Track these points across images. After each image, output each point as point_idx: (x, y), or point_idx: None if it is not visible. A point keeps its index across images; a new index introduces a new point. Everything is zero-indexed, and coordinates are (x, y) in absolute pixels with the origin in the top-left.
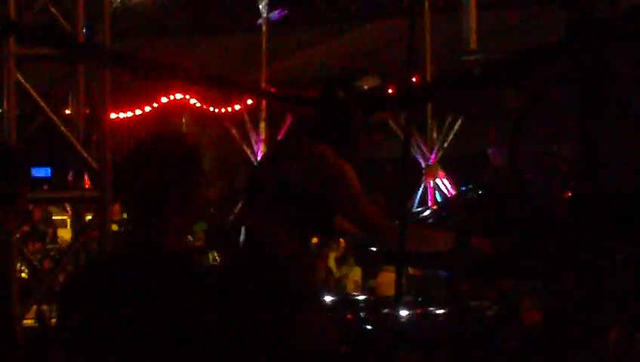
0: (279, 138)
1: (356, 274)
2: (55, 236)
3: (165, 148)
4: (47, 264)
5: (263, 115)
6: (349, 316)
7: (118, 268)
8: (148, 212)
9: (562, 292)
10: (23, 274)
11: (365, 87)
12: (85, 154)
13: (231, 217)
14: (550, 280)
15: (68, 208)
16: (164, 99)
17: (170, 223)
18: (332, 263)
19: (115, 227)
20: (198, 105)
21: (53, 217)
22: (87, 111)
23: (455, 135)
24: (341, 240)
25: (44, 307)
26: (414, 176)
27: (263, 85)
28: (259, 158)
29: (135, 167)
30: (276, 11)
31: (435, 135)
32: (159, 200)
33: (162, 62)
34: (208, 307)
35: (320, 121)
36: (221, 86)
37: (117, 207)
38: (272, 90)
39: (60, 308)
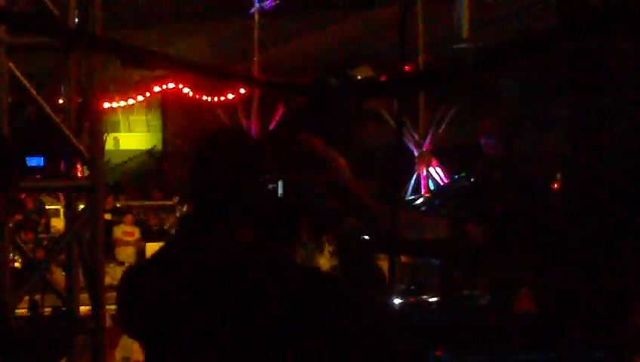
0: (270, 128)
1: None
2: (48, 225)
3: (245, 146)
4: (40, 253)
5: (255, 104)
6: None
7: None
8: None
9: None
10: (17, 264)
11: (358, 77)
12: (77, 143)
13: None
14: (542, 270)
15: (61, 197)
16: (156, 88)
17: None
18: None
19: (107, 216)
20: (191, 94)
21: (46, 206)
22: (80, 100)
23: (448, 123)
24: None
25: (37, 296)
26: (407, 164)
27: (256, 74)
28: None
29: (215, 165)
30: (268, 0)
31: (427, 123)
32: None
33: (156, 51)
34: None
35: (311, 110)
36: (214, 75)
37: (109, 198)
38: (263, 78)
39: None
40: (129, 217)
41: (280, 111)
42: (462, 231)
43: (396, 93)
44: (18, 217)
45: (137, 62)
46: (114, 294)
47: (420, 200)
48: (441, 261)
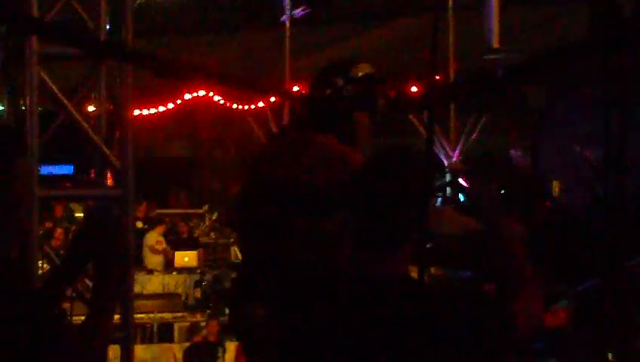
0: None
1: None
2: None
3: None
4: None
5: (287, 112)
6: None
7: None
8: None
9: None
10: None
11: (359, 75)
12: (107, 152)
13: None
14: (574, 283)
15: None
16: (187, 96)
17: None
18: None
19: (139, 224)
20: (222, 102)
21: (76, 215)
22: (110, 108)
23: (478, 134)
24: None
25: (67, 305)
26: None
27: (287, 83)
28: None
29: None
30: (299, 9)
31: (458, 133)
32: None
33: (184, 62)
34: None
35: (323, 111)
36: (242, 86)
37: (143, 205)
38: (297, 88)
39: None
40: (161, 228)
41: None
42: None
43: (427, 105)
44: (47, 225)
45: (170, 74)
46: (143, 302)
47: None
48: (470, 273)
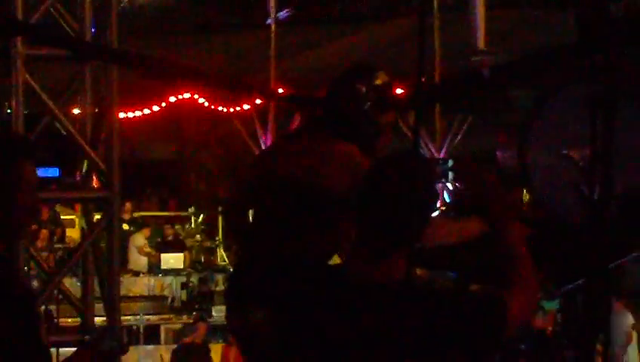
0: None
1: None
2: (63, 236)
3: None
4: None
5: (271, 115)
6: None
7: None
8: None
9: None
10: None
11: (378, 82)
12: (93, 154)
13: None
14: (560, 284)
15: (76, 208)
16: (172, 99)
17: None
18: None
19: (125, 226)
20: (207, 104)
21: (62, 217)
22: (96, 111)
23: (463, 135)
24: None
25: (52, 307)
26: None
27: (272, 85)
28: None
29: (382, 188)
30: (285, 10)
31: (444, 134)
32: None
33: (171, 62)
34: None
35: (342, 117)
36: (232, 87)
37: (128, 206)
38: (282, 90)
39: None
40: (147, 230)
41: (296, 121)
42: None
43: (413, 105)
44: (33, 227)
45: (156, 75)
46: (128, 304)
47: (436, 214)
48: (456, 273)
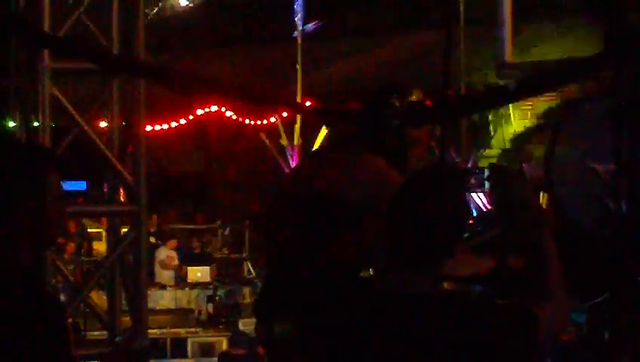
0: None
1: None
2: (90, 249)
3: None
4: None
5: (297, 127)
6: None
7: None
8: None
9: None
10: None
11: (413, 99)
12: (120, 168)
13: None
14: (585, 298)
15: (103, 221)
16: (199, 112)
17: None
18: None
19: (152, 239)
20: (234, 117)
21: (88, 230)
22: (123, 124)
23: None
24: None
25: (79, 320)
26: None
27: (299, 98)
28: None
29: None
30: (311, 23)
31: (470, 147)
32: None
33: (197, 76)
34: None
35: (364, 134)
36: (259, 100)
37: (154, 219)
38: (310, 102)
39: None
40: (173, 242)
41: (322, 133)
42: (505, 266)
43: (439, 119)
44: (60, 240)
45: (183, 89)
46: (155, 318)
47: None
48: (482, 287)
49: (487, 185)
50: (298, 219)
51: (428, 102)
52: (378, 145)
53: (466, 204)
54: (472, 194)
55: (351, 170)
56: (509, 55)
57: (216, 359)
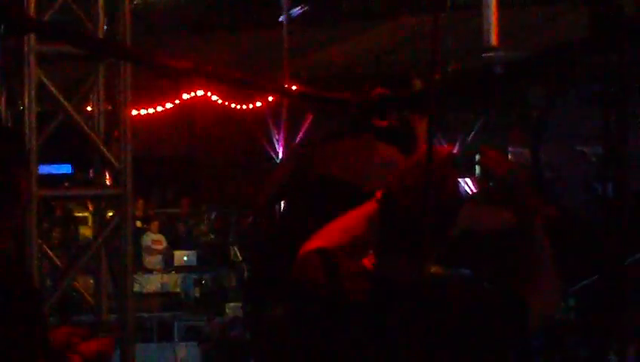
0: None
1: None
2: (76, 233)
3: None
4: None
5: (284, 112)
6: None
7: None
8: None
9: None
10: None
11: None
12: (106, 152)
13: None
14: (574, 281)
15: (89, 205)
16: (185, 96)
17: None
18: None
19: (138, 224)
20: (220, 101)
21: (74, 214)
22: (109, 108)
23: (477, 132)
24: None
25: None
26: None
27: (285, 82)
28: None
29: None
30: (298, 8)
31: (457, 132)
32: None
33: (183, 60)
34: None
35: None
36: (245, 85)
37: (140, 203)
38: (295, 87)
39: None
40: (155, 224)
41: (308, 120)
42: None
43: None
44: (46, 225)
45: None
46: (141, 301)
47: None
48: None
49: (477, 170)
50: (306, 203)
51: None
52: (389, 135)
53: (457, 191)
54: (460, 179)
55: (368, 159)
56: (494, 39)
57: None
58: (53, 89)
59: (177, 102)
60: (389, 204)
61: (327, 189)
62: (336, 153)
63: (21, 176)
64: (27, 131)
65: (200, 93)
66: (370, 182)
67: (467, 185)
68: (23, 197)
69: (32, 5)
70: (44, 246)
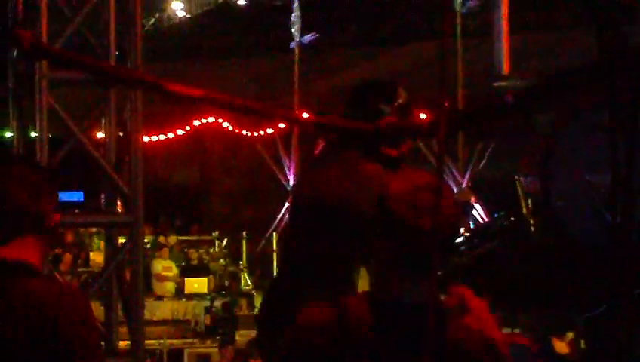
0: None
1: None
2: (87, 260)
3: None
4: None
5: (295, 139)
6: None
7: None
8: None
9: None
10: None
11: (401, 101)
12: (117, 178)
13: (262, 241)
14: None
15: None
16: (196, 123)
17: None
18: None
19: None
20: (230, 128)
21: (85, 241)
22: (120, 134)
23: (487, 159)
24: None
25: None
26: None
27: (296, 109)
28: (291, 182)
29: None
30: (309, 35)
31: (466, 160)
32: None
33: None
34: None
35: (369, 138)
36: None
37: (150, 230)
38: (306, 114)
39: None
40: (165, 251)
41: (320, 146)
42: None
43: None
44: (57, 251)
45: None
46: (152, 329)
47: (460, 239)
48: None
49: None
50: (303, 230)
51: (425, 113)
52: (375, 152)
53: (457, 215)
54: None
55: (354, 178)
56: (505, 68)
57: None
58: (64, 115)
59: (188, 128)
60: (384, 211)
61: (320, 214)
62: (322, 175)
63: (52, 205)
64: (39, 157)
65: (211, 119)
66: (357, 201)
67: (477, 212)
68: (53, 228)
69: (44, 32)
70: (55, 273)
